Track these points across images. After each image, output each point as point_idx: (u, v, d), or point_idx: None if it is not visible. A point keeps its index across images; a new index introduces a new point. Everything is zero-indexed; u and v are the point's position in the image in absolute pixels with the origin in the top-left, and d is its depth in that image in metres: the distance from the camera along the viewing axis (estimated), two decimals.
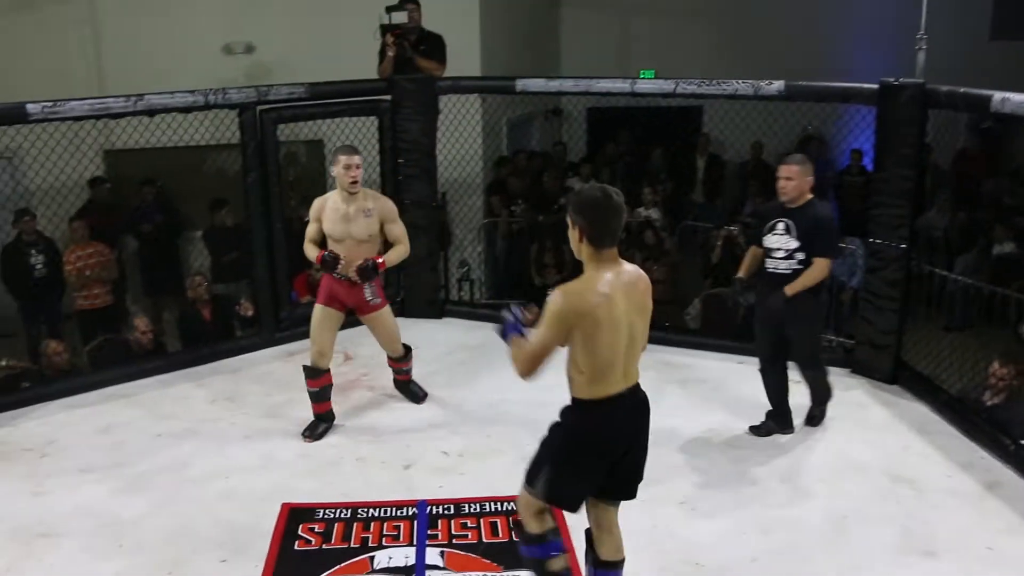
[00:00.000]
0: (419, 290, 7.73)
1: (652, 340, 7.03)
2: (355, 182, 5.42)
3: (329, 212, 5.45)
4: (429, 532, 4.54)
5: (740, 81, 6.44)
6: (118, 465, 5.35)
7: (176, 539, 4.56)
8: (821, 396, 5.61)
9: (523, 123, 10.79)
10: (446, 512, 4.72)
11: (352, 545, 4.45)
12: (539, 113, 11.23)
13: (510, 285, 9.11)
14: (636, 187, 9.32)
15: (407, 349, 5.94)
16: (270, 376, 6.62)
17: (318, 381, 5.57)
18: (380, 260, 5.51)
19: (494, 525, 4.56)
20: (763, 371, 5.51)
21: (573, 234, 3.36)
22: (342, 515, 4.71)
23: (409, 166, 7.53)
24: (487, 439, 5.50)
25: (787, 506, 4.77)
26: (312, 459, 5.37)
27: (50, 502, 4.93)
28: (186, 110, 6.66)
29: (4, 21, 9.20)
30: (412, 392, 6.08)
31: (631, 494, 3.63)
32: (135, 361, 6.90)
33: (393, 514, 4.70)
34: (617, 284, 3.34)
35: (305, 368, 5.59)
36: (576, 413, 3.47)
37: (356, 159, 5.41)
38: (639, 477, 3.61)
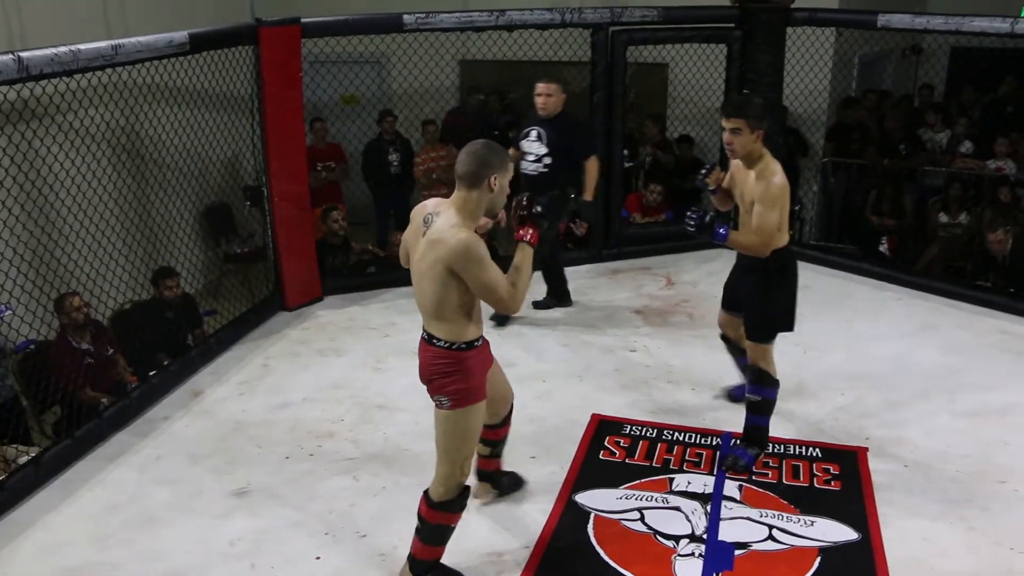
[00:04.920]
0: None
1: (992, 305, 6.46)
2: None
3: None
4: None
5: None
6: None
7: None
8: (552, 288, 6.48)
9: (877, 60, 10.18)
10: None
11: (654, 464, 4.60)
12: (896, 50, 10.54)
13: (843, 228, 8.80)
14: (992, 137, 8.59)
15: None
16: (594, 291, 6.90)
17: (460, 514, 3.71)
18: None
19: (796, 468, 4.54)
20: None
21: (749, 136, 4.20)
22: (647, 433, 4.88)
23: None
24: (797, 382, 5.43)
25: None
26: (626, 375, 5.56)
27: (388, 378, 5.52)
28: (543, 27, 6.93)
29: None
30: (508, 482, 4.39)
31: None
32: None
33: (697, 441, 4.81)
34: None
35: (448, 502, 3.61)
36: (782, 261, 4.39)
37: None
38: None
